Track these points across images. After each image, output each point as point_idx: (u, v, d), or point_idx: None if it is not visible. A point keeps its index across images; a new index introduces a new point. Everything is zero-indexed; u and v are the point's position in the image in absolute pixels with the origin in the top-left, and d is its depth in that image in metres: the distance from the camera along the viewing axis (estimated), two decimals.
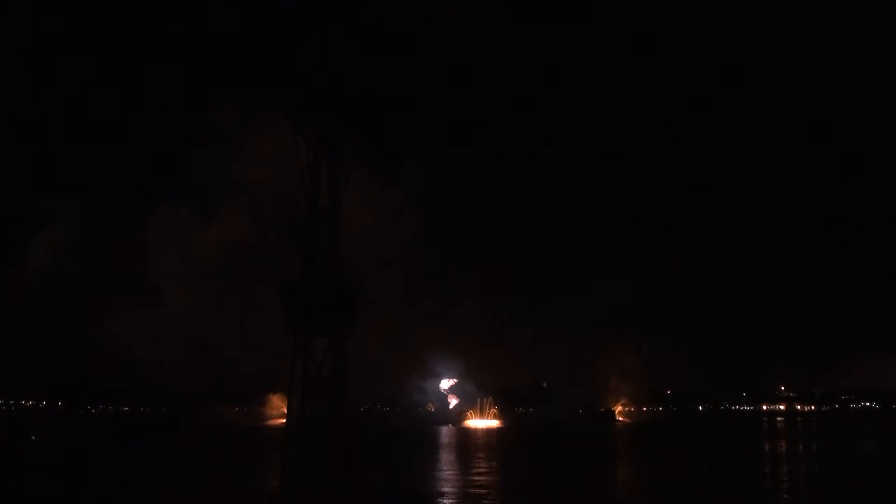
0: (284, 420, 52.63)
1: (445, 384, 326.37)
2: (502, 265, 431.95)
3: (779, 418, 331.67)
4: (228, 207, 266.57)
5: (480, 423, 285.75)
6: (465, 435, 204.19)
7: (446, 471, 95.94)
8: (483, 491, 73.14)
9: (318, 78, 51.33)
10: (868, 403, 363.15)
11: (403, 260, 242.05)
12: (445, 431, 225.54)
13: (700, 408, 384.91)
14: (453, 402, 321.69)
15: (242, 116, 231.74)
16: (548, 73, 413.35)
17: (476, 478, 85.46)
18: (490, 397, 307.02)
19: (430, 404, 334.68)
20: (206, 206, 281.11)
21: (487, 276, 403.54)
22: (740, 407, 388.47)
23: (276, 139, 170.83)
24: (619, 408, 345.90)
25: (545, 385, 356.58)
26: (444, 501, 66.54)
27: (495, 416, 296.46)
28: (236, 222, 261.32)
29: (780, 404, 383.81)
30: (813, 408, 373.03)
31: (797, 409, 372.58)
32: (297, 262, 51.87)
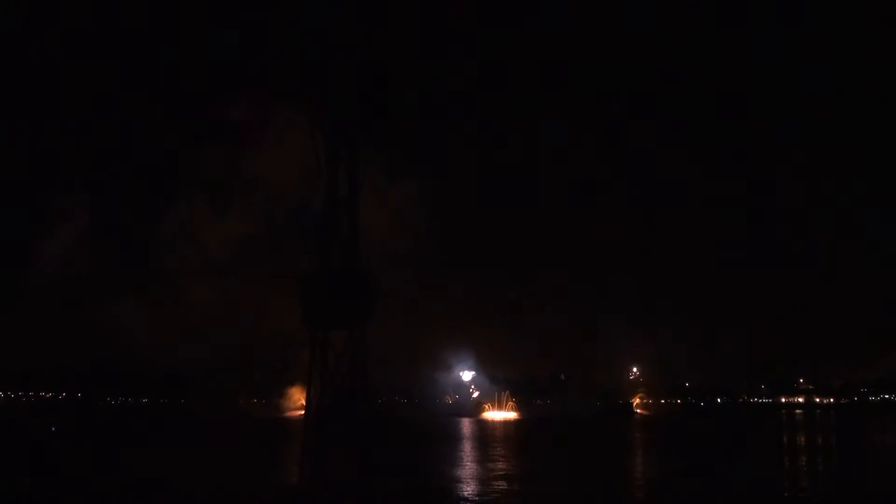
0: (303, 412, 52.90)
1: (467, 376, 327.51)
2: (512, 258, 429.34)
3: (797, 411, 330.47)
4: (240, 202, 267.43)
5: (498, 414, 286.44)
6: (483, 427, 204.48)
7: (464, 462, 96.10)
8: (502, 481, 73.31)
9: (335, 75, 51.55)
10: (888, 396, 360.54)
11: (414, 254, 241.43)
12: (463, 423, 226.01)
13: (718, 400, 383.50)
14: (476, 393, 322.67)
15: (253, 111, 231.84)
16: (549, 72, 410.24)
17: (494, 468, 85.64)
18: (507, 391, 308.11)
19: (448, 396, 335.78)
20: (217, 201, 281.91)
21: (499, 270, 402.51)
22: (759, 399, 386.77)
23: (286, 134, 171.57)
24: (638, 400, 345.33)
25: (563, 377, 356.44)
26: (464, 491, 66.69)
27: (513, 409, 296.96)
28: (248, 216, 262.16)
29: (798, 397, 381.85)
30: (832, 400, 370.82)
31: (816, 402, 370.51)
32: (309, 255, 52.04)
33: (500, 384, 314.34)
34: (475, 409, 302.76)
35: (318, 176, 51.47)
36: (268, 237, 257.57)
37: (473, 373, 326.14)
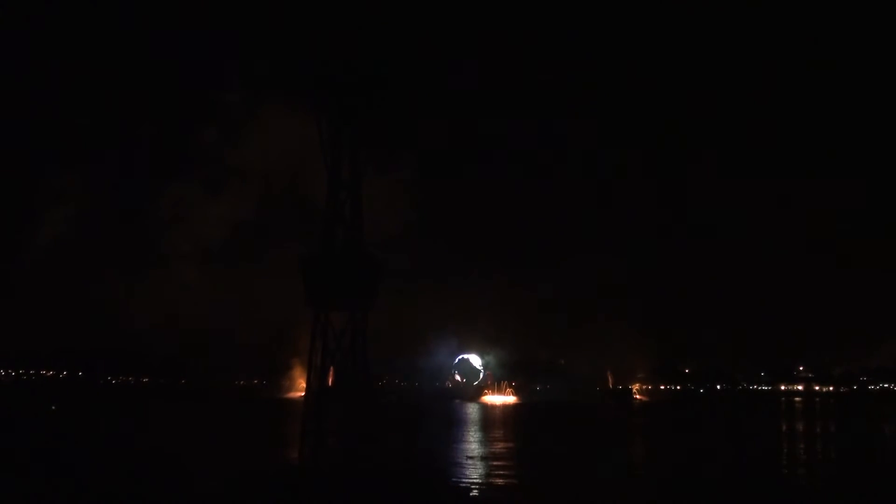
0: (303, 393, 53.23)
1: (476, 361, 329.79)
2: (507, 246, 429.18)
3: (797, 399, 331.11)
4: (232, 186, 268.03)
5: (497, 398, 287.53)
6: (482, 410, 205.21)
7: (460, 443, 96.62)
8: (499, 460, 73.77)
9: (338, 56, 51.72)
10: (887, 385, 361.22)
11: (408, 240, 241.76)
12: (462, 406, 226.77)
13: (718, 387, 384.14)
14: (482, 375, 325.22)
15: (249, 96, 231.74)
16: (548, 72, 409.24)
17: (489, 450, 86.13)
18: (507, 376, 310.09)
19: (449, 380, 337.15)
20: (210, 185, 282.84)
21: (493, 256, 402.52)
22: (758, 386, 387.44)
23: (279, 121, 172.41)
24: (637, 386, 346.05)
25: (563, 362, 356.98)
26: (463, 469, 67.12)
27: (512, 393, 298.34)
28: (240, 200, 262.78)
29: (798, 385, 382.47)
30: (831, 388, 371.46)
31: (815, 390, 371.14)
32: (308, 237, 52.33)
33: (499, 368, 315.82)
34: (475, 392, 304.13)
35: (316, 159, 51.69)
36: (260, 221, 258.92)
37: (476, 356, 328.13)
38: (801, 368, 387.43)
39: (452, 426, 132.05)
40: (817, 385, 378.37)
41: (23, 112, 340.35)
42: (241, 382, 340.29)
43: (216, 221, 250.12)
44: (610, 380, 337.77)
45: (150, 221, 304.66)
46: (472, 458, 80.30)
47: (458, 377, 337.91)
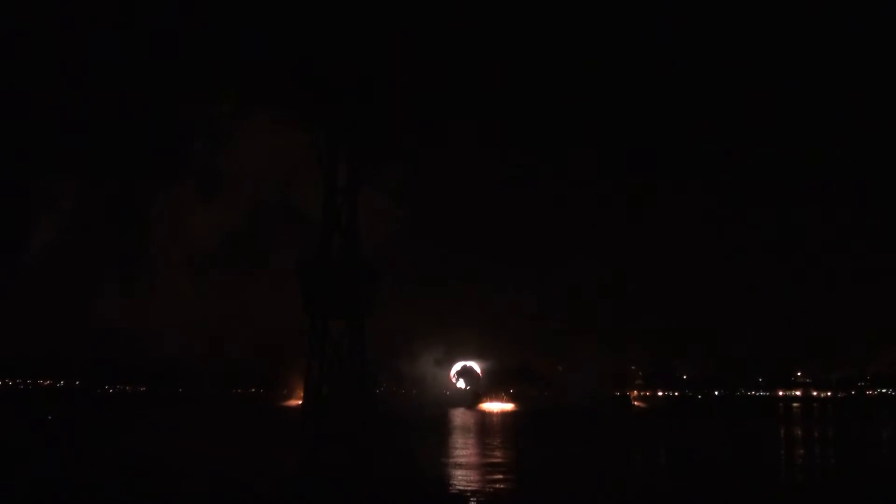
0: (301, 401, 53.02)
1: (474, 368, 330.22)
2: (505, 249, 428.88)
3: (795, 404, 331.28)
4: (225, 195, 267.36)
5: (495, 405, 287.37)
6: (480, 417, 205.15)
7: (458, 450, 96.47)
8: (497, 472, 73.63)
9: (338, 68, 51.93)
10: (885, 390, 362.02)
11: (403, 244, 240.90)
12: (461, 413, 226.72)
13: (716, 392, 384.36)
14: (480, 382, 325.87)
15: (244, 102, 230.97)
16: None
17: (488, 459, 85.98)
18: (504, 382, 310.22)
19: (447, 387, 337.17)
20: (204, 193, 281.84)
21: (491, 259, 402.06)
22: (756, 392, 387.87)
23: (272, 129, 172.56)
24: (635, 392, 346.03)
25: (560, 368, 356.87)
26: (461, 476, 67.00)
27: (509, 399, 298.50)
28: (233, 210, 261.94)
29: (796, 390, 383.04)
30: (829, 394, 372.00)
31: (813, 395, 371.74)
32: (300, 247, 52.34)
33: (497, 375, 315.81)
34: (474, 399, 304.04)
35: (313, 166, 51.79)
36: (258, 227, 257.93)
37: (474, 363, 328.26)
38: (798, 374, 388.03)
39: (451, 433, 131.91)
40: (815, 391, 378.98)
41: (17, 114, 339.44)
42: (239, 390, 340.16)
43: (212, 228, 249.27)
44: (608, 386, 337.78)
45: (145, 228, 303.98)
46: (468, 465, 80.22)
47: (457, 384, 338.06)
